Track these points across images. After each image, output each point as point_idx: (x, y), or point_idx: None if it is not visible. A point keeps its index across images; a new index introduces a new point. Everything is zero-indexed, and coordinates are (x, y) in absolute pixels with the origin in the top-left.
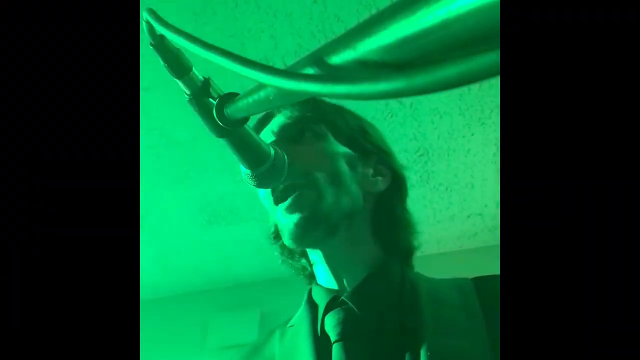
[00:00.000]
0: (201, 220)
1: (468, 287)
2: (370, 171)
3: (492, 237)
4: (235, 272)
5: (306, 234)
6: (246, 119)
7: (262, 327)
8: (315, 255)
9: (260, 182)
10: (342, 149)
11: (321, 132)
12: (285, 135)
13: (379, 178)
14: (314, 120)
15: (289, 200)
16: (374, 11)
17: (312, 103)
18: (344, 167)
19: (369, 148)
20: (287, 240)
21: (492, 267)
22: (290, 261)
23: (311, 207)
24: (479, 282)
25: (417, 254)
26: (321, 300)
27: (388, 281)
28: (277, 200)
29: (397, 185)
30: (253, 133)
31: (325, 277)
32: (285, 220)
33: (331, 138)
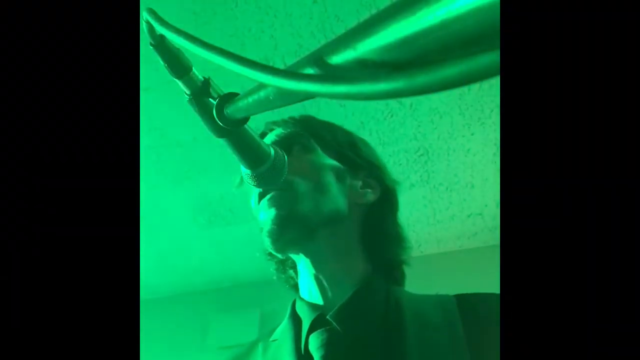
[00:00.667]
0: (201, 220)
1: (451, 306)
2: (359, 183)
3: (492, 237)
4: (235, 272)
5: (282, 232)
6: (246, 119)
7: (262, 327)
8: (301, 267)
9: (260, 182)
10: (330, 161)
11: (310, 145)
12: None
13: (368, 190)
14: (303, 135)
15: (268, 195)
16: (373, 11)
17: (303, 120)
18: (329, 178)
19: (358, 162)
20: (265, 239)
21: (492, 267)
22: (283, 275)
23: (288, 206)
24: (461, 300)
25: (417, 253)
26: (305, 316)
27: (373, 300)
28: (259, 198)
29: (387, 198)
30: (253, 133)
31: (309, 290)
32: (264, 216)
33: (319, 151)
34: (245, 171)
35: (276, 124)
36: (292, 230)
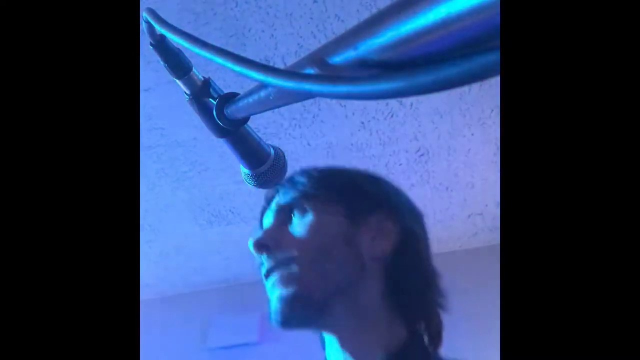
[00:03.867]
0: (201, 220)
1: None
2: (370, 234)
3: (492, 237)
4: (235, 272)
5: (291, 313)
6: (246, 119)
7: (262, 328)
8: (327, 340)
9: (260, 182)
10: (331, 219)
11: (307, 207)
12: (277, 220)
13: (381, 240)
14: (299, 199)
15: (271, 277)
16: (374, 11)
17: (296, 182)
18: (331, 239)
19: (366, 208)
20: (273, 319)
21: (492, 267)
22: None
23: (294, 284)
24: None
25: None
26: None
27: None
28: (265, 277)
29: (407, 243)
30: (253, 133)
31: None
32: (271, 297)
33: (319, 212)
34: (245, 171)
35: (277, 188)
36: (300, 310)
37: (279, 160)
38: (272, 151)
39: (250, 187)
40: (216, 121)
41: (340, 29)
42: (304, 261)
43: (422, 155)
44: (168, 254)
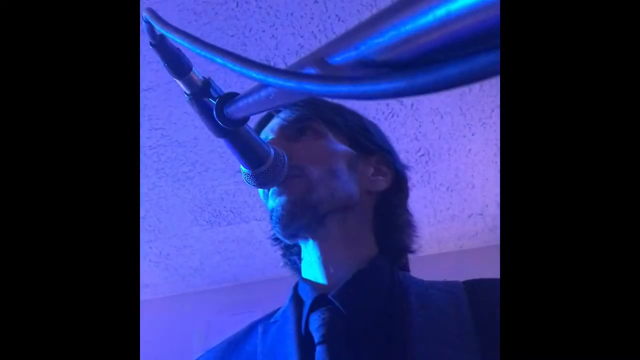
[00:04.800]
0: (201, 220)
1: (459, 291)
2: (371, 170)
3: (492, 237)
4: (236, 272)
5: (292, 219)
6: (246, 119)
7: None
8: (307, 250)
9: (260, 181)
10: (342, 147)
11: (321, 130)
12: (284, 134)
13: (380, 177)
14: (314, 120)
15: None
16: (374, 11)
17: (312, 103)
18: (341, 164)
19: (370, 147)
20: (274, 226)
21: (493, 267)
22: (288, 260)
23: (300, 193)
24: (470, 285)
25: (417, 254)
26: (307, 297)
27: (377, 280)
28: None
29: (399, 186)
30: (253, 133)
31: (312, 272)
32: (274, 203)
33: (331, 137)
34: (245, 171)
35: (284, 105)
36: (302, 217)
37: (279, 160)
38: (272, 151)
39: (250, 187)
40: (216, 121)
41: (340, 29)
42: (313, 174)
43: (422, 155)
44: (168, 254)
